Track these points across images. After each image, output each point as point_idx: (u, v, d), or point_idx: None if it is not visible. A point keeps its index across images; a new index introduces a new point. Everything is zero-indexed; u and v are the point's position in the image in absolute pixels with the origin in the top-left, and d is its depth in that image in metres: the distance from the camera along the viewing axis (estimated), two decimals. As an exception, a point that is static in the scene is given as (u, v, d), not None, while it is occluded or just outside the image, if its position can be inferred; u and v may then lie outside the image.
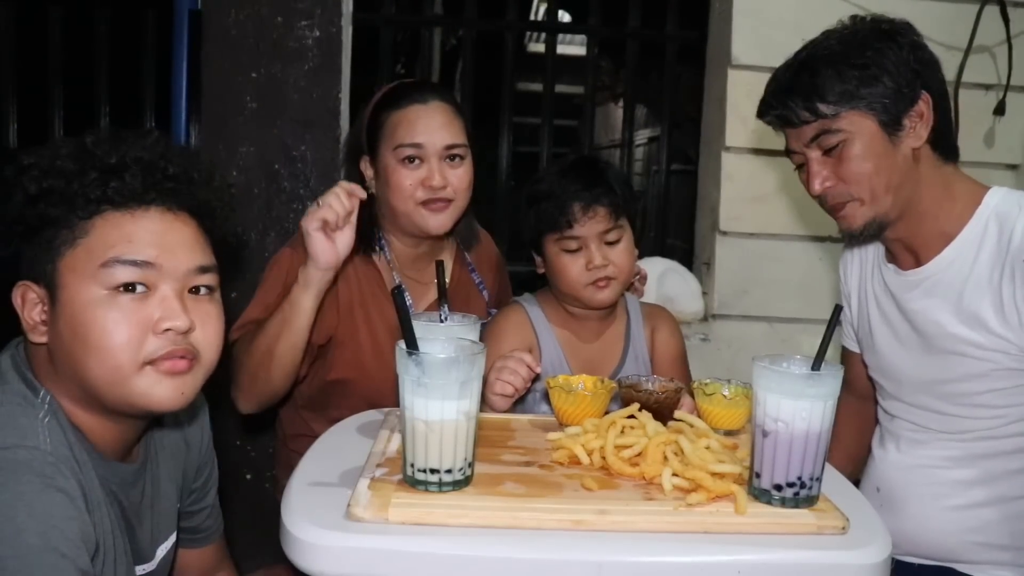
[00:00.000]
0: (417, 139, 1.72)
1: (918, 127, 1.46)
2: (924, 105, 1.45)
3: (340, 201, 1.55)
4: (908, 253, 1.57)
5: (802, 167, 1.54)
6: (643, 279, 2.08)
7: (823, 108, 1.44)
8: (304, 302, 1.59)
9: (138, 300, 1.08)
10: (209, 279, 1.16)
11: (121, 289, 1.07)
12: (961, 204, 1.50)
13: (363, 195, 1.58)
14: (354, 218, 1.58)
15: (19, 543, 0.93)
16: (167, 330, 1.09)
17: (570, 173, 1.71)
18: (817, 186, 1.50)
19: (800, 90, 1.46)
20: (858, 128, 1.44)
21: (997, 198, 1.49)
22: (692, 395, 1.51)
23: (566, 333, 1.80)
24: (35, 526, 0.95)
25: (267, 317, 1.66)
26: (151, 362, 1.09)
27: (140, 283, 1.08)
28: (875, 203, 1.47)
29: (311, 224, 1.54)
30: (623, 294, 1.83)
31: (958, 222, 1.50)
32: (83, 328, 1.07)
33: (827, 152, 1.47)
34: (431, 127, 1.73)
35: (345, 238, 1.58)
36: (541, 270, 1.80)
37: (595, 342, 1.82)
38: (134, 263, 1.08)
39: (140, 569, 1.23)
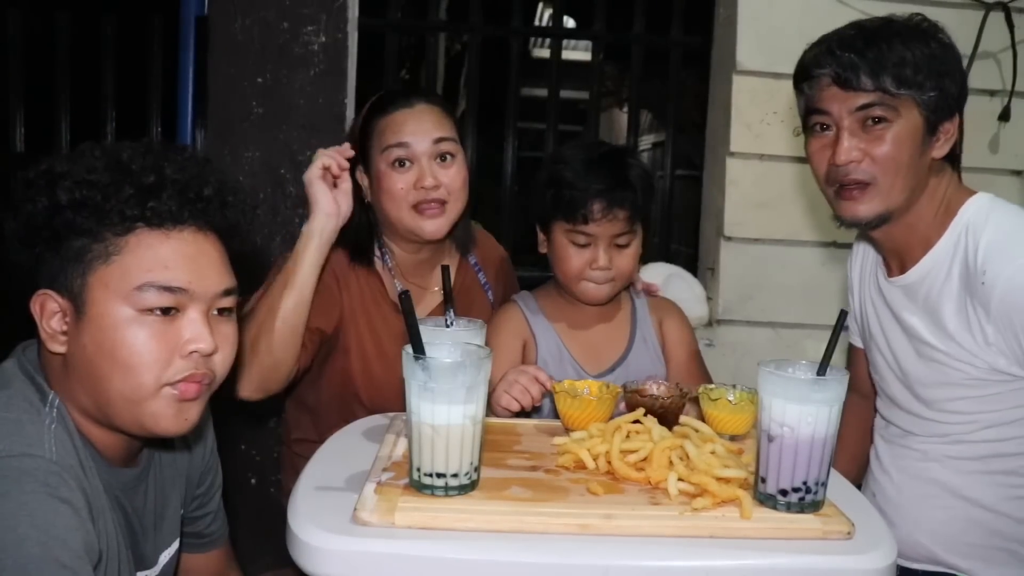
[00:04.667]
0: (404, 138, 1.72)
1: (942, 141, 1.46)
2: (952, 124, 1.46)
3: (331, 155, 1.65)
4: (895, 259, 1.58)
5: (814, 130, 1.51)
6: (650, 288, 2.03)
7: (888, 82, 1.41)
8: (308, 254, 1.61)
9: (168, 321, 1.09)
10: (231, 301, 1.17)
11: (153, 311, 1.08)
12: (943, 211, 1.50)
13: (351, 153, 1.69)
14: (348, 176, 1.68)
15: (21, 553, 0.93)
16: (192, 352, 1.10)
17: (597, 168, 1.67)
18: (843, 155, 1.45)
19: (871, 56, 1.41)
20: (907, 115, 1.43)
21: (973, 209, 1.48)
22: (697, 399, 1.51)
23: (564, 322, 1.80)
24: (37, 536, 0.94)
25: None
26: (170, 383, 1.10)
27: (172, 307, 1.09)
28: (891, 196, 1.46)
29: (313, 173, 1.63)
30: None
31: (937, 231, 1.49)
32: (111, 345, 1.07)
33: (864, 125, 1.44)
34: (417, 127, 1.73)
35: (344, 189, 1.67)
36: (543, 249, 1.78)
37: (597, 327, 1.81)
38: (168, 288, 1.08)
39: (142, 575, 1.23)
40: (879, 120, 1.43)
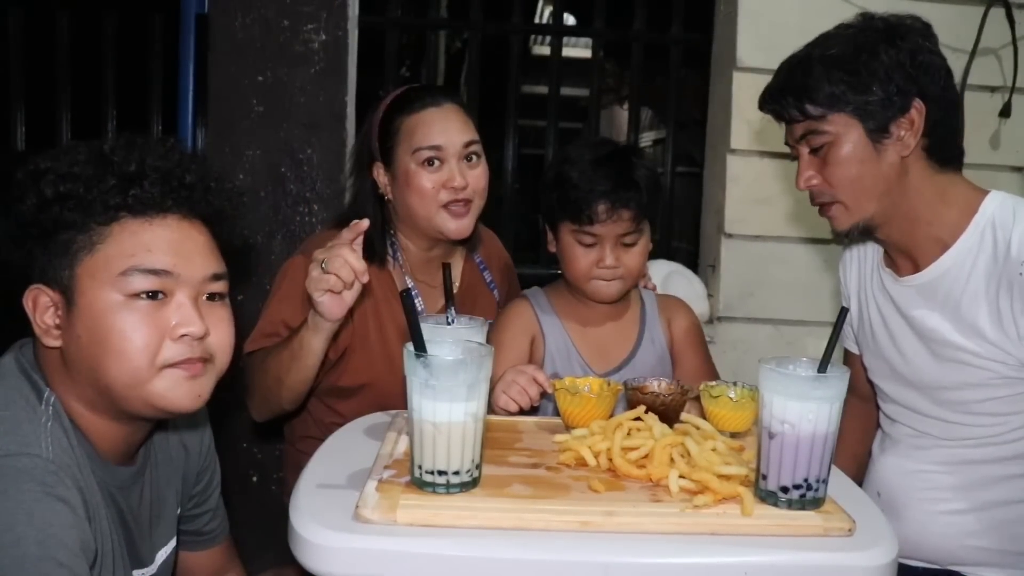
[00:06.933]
0: (436, 140, 1.74)
1: (906, 136, 1.44)
2: (916, 113, 1.43)
3: (348, 267, 1.44)
4: (905, 259, 1.57)
5: (792, 156, 1.58)
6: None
7: (811, 109, 1.46)
8: (314, 344, 1.57)
9: (156, 306, 1.10)
10: (221, 286, 1.18)
11: (140, 295, 1.09)
12: (957, 210, 1.49)
13: (365, 226, 1.48)
14: (365, 277, 1.47)
15: (18, 551, 0.93)
16: (183, 336, 1.11)
17: (602, 167, 1.66)
18: (801, 182, 1.54)
19: (792, 89, 1.48)
20: (844, 132, 1.45)
21: (994, 205, 1.47)
22: (698, 396, 1.51)
23: (574, 319, 1.80)
24: (34, 535, 0.95)
25: (281, 333, 1.67)
26: (168, 365, 1.11)
27: (158, 291, 1.10)
28: (857, 209, 1.49)
29: (316, 292, 1.47)
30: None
31: (955, 229, 1.48)
32: (102, 332, 1.08)
33: (814, 151, 1.50)
34: (448, 128, 1.75)
35: (353, 292, 1.49)
36: (552, 248, 1.79)
37: (606, 327, 1.81)
38: (153, 272, 1.09)
39: (139, 573, 1.23)
40: (821, 144, 1.48)
